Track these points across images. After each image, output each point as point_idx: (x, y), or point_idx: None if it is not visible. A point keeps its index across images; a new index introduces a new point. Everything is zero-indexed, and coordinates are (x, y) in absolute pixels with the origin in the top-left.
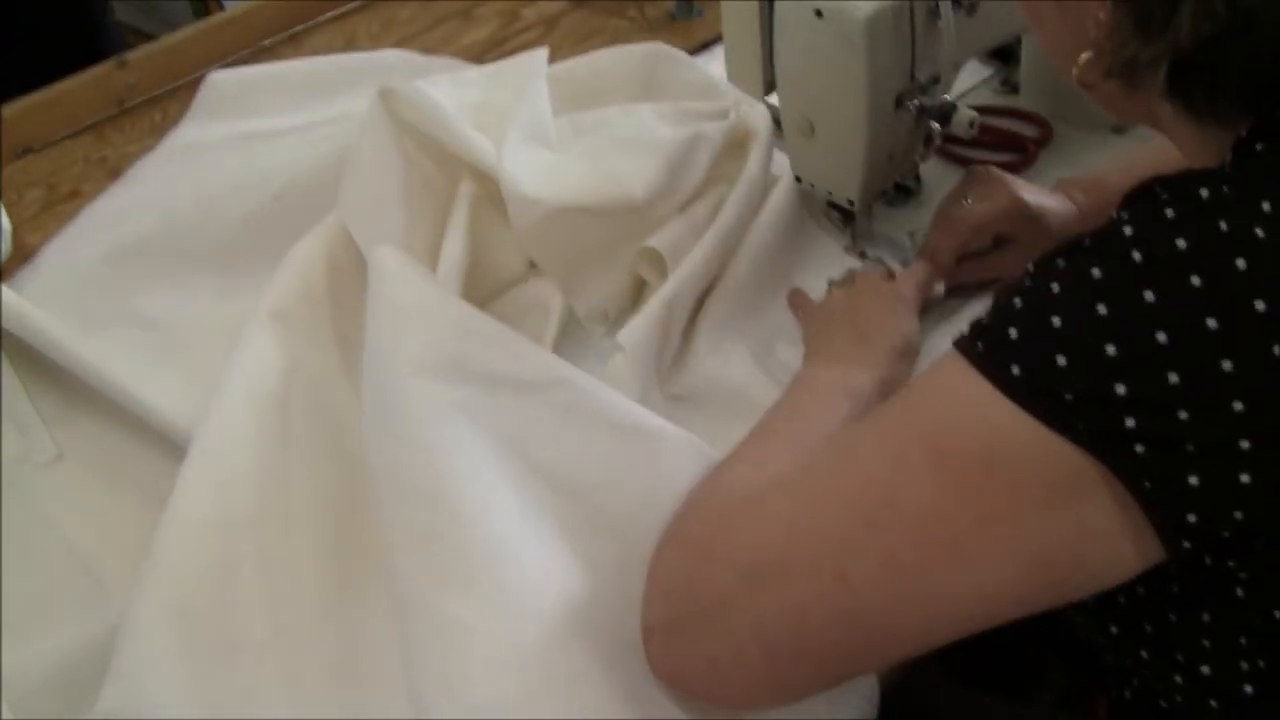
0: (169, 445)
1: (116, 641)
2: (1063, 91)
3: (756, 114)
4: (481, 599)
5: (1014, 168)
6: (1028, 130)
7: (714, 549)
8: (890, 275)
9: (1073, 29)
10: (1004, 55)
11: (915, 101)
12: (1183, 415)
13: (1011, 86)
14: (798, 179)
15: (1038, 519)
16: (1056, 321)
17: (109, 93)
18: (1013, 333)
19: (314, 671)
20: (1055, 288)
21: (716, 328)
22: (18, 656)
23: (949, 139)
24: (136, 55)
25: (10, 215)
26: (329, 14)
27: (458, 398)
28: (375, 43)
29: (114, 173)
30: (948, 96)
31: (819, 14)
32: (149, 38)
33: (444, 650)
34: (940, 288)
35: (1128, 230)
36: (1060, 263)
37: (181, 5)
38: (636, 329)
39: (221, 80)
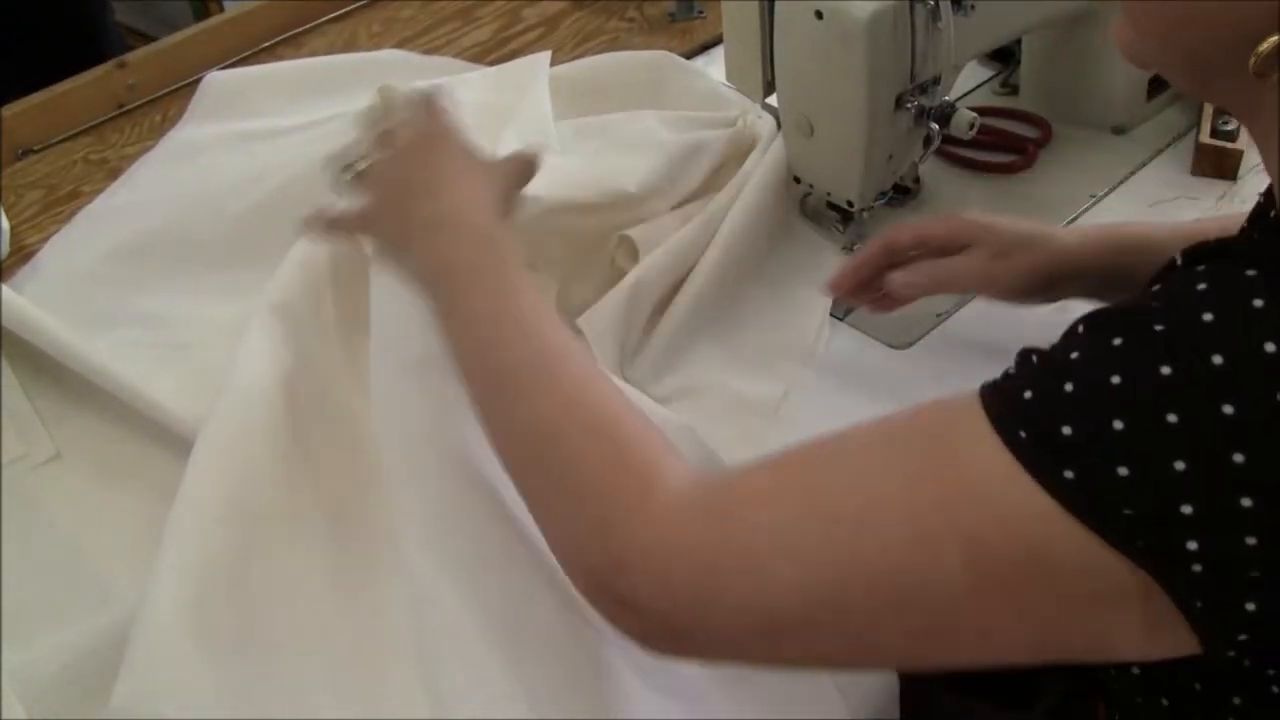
0: (168, 442)
1: (130, 636)
2: (1062, 92)
3: (763, 124)
4: (494, 586)
5: (1014, 168)
6: (1027, 131)
7: (713, 600)
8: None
9: (1249, 12)
10: (1004, 56)
11: (915, 102)
12: (1250, 541)
13: (1011, 88)
14: (796, 179)
15: (1074, 618)
16: (1119, 425)
17: (109, 94)
18: (1067, 431)
19: (329, 663)
20: (1116, 380)
21: (688, 320)
22: (24, 656)
23: (949, 140)
24: (136, 56)
25: (10, 216)
26: (329, 14)
27: (461, 396)
28: (376, 43)
29: (114, 173)
30: (948, 98)
31: (819, 15)
32: (149, 38)
33: (458, 638)
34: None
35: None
36: (1117, 342)
37: (181, 6)
38: (597, 313)
39: (219, 80)
